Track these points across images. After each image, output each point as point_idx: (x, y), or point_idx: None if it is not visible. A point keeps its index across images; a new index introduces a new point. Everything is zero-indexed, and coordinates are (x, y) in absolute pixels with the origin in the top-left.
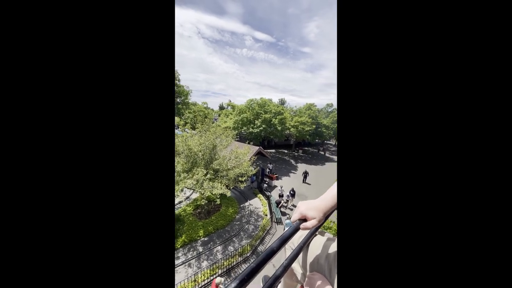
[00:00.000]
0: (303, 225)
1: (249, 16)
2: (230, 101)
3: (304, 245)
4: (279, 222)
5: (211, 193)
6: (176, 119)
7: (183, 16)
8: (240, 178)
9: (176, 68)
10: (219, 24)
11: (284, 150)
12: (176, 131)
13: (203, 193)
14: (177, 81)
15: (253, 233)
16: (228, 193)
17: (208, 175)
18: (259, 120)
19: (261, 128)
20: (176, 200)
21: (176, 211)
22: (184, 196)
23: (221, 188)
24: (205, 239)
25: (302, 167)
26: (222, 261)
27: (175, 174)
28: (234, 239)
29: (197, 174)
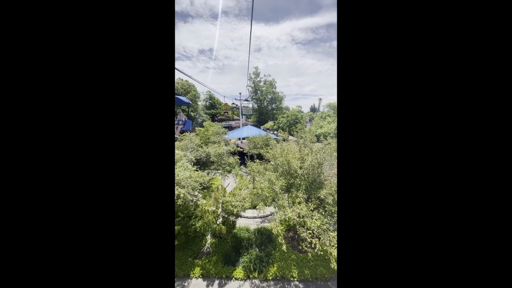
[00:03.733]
0: None
1: None
2: (320, 99)
3: None
4: None
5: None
6: (271, 123)
7: (279, 30)
8: None
9: (272, 77)
10: (312, 22)
11: None
12: (270, 134)
13: (302, 221)
14: (273, 89)
15: None
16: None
17: (311, 205)
18: None
19: None
20: (268, 211)
21: (267, 225)
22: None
23: (325, 224)
24: (300, 285)
25: None
26: None
27: (270, 185)
28: None
29: (299, 204)
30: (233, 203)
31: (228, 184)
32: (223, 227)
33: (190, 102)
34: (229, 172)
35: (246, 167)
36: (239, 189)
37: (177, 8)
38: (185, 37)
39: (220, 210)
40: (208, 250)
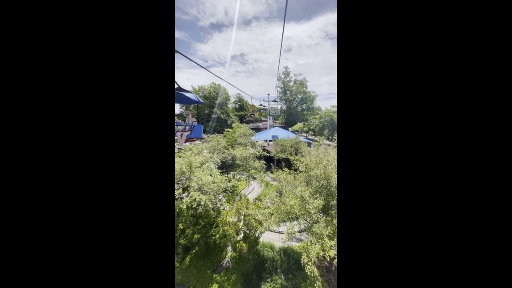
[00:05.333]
0: None
1: None
2: None
3: None
4: None
5: None
6: (300, 125)
7: (312, 27)
8: None
9: (303, 76)
10: None
11: None
12: (300, 138)
13: None
14: (304, 88)
15: None
16: None
17: None
18: None
19: None
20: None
21: (296, 244)
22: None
23: None
24: None
25: None
26: None
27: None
28: None
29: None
30: (256, 217)
31: (253, 189)
32: (243, 245)
33: (202, 101)
34: (254, 178)
35: (272, 172)
36: (264, 196)
37: (213, 19)
38: (219, 45)
39: (241, 223)
40: (228, 264)
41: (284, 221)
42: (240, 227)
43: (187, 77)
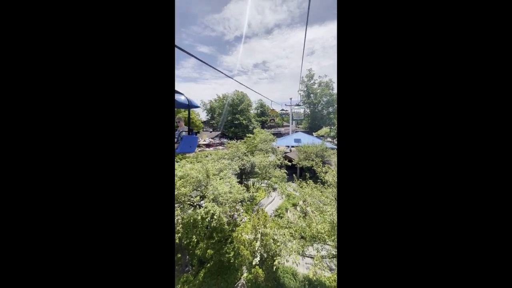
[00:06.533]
0: None
1: None
2: None
3: None
4: None
5: None
6: (325, 129)
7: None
8: None
9: (328, 77)
10: None
11: None
12: (327, 144)
13: None
14: (330, 90)
15: None
16: None
17: None
18: None
19: None
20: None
21: (324, 275)
22: None
23: None
24: None
25: None
26: None
27: None
28: None
29: None
30: (275, 238)
31: (273, 200)
32: (260, 272)
33: (197, 105)
34: (274, 189)
35: (293, 182)
36: (285, 210)
37: (238, 32)
38: (242, 56)
39: (258, 244)
40: (243, 287)
41: (309, 245)
42: (256, 248)
43: (213, 87)
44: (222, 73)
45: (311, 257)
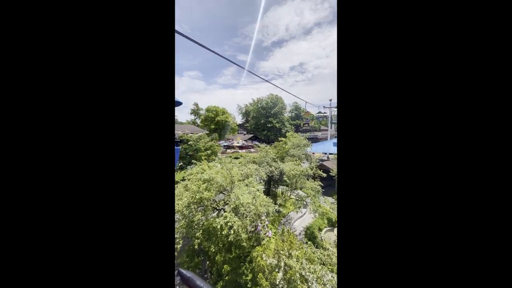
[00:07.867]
0: None
1: None
2: None
3: None
4: None
5: None
6: None
7: None
8: None
9: None
10: None
11: None
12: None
13: None
14: None
15: None
16: None
17: None
18: None
19: None
20: None
21: None
22: None
23: None
24: None
25: None
26: None
27: None
28: None
29: None
30: (303, 274)
31: (303, 215)
32: None
33: (181, 102)
34: (305, 204)
35: (331, 197)
36: (318, 229)
37: (275, 38)
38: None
39: (280, 275)
40: None
41: None
42: (277, 281)
43: (250, 92)
44: (258, 77)
45: None
